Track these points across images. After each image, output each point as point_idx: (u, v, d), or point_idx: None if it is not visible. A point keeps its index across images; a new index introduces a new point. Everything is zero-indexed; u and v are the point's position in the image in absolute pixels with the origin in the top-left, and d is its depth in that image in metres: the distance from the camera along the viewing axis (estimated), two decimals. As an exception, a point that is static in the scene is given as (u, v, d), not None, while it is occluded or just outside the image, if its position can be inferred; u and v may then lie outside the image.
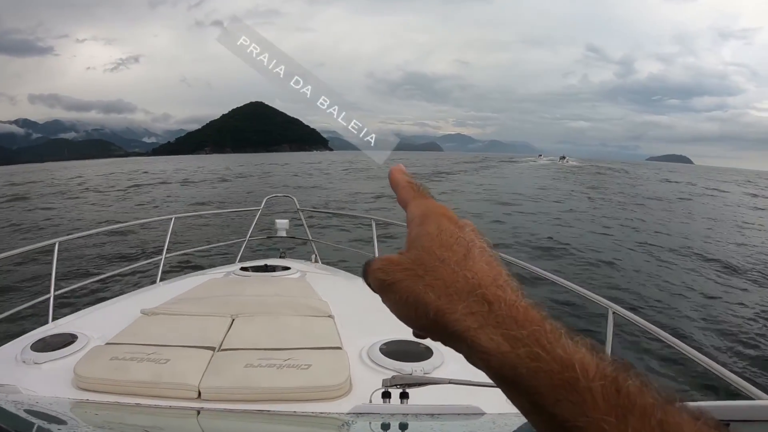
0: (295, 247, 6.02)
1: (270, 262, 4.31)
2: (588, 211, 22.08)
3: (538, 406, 0.30)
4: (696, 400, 0.87)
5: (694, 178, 67.53)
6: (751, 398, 1.63)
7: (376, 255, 3.70)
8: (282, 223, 5.25)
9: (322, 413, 1.68)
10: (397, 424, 1.23)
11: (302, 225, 5.42)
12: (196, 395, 1.80)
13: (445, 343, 0.37)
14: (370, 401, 1.41)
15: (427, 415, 1.26)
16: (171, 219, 4.40)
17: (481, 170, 57.01)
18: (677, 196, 33.60)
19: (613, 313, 2.32)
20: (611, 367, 0.30)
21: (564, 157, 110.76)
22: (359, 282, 3.95)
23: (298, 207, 5.54)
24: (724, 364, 1.87)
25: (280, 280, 3.71)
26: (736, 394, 1.73)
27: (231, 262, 4.77)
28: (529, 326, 0.32)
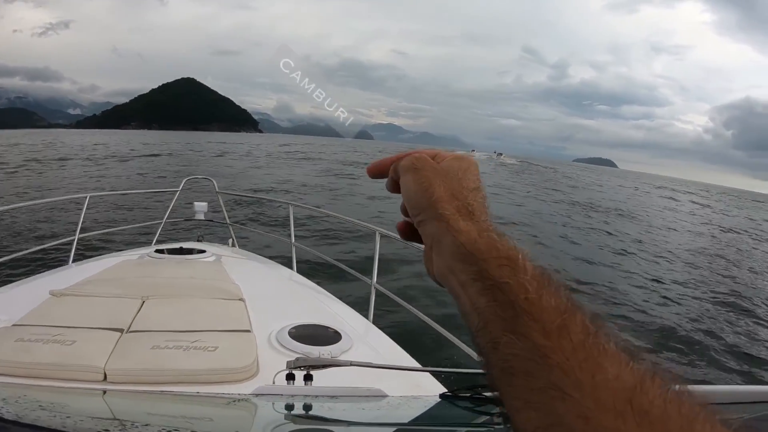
0: (215, 230, 6.00)
1: (186, 245, 4.28)
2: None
3: (484, 271, 0.39)
4: None
5: (639, 184, 70.21)
6: None
7: (293, 240, 3.81)
8: (200, 206, 5.22)
9: (225, 394, 1.66)
10: (301, 405, 1.25)
11: (221, 208, 5.41)
12: (102, 377, 1.78)
13: (427, 226, 0.46)
14: (274, 383, 1.41)
15: (329, 396, 1.28)
16: (86, 198, 4.28)
17: None
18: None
19: None
20: (540, 267, 0.39)
21: (500, 154, 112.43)
22: (274, 267, 4.08)
23: (217, 190, 5.50)
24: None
25: (194, 263, 3.71)
26: None
27: (148, 244, 4.69)
28: (491, 229, 0.43)
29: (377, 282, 3.37)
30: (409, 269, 8.30)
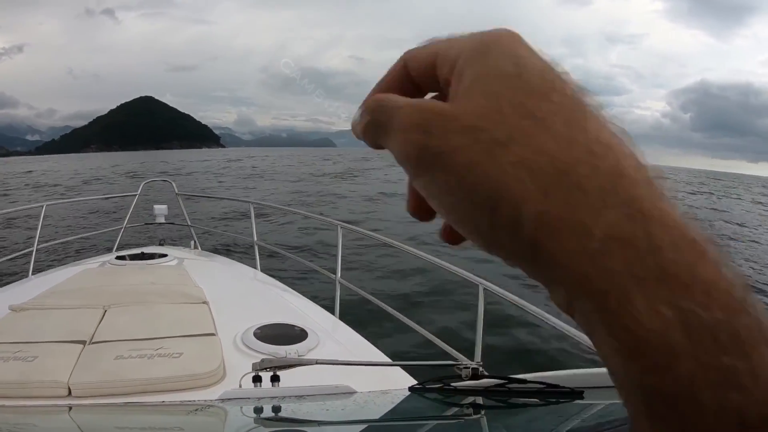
0: (176, 233, 5.94)
1: (147, 249, 4.24)
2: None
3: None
4: (558, 369, 1.18)
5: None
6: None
7: (255, 238, 4.02)
8: (160, 209, 5.16)
9: (191, 401, 1.67)
10: (269, 407, 1.24)
11: (181, 210, 5.34)
12: (66, 392, 1.74)
13: (534, 276, 0.21)
14: (240, 386, 1.38)
15: (297, 397, 1.28)
16: (42, 207, 4.19)
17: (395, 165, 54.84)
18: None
19: (484, 288, 2.39)
20: None
21: None
22: (237, 267, 4.05)
23: (177, 192, 5.42)
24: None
25: (156, 268, 3.66)
26: (597, 360, 2.01)
27: (109, 251, 4.62)
28: (723, 298, 0.18)
29: (342, 277, 3.36)
30: (375, 262, 8.34)
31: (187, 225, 5.28)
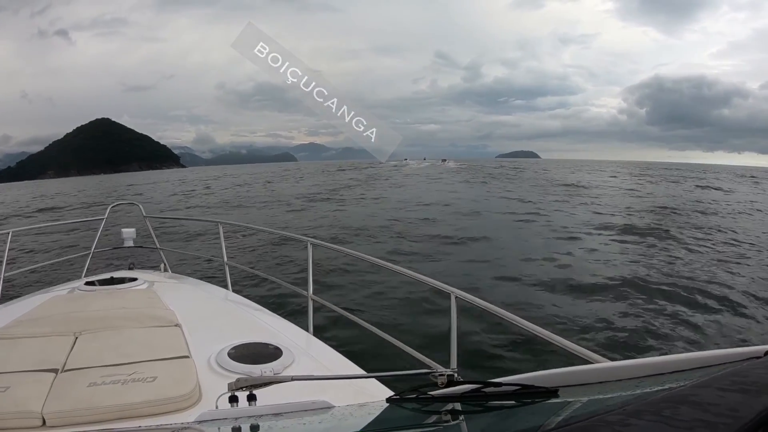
0: (145, 256, 5.86)
1: (117, 274, 4.18)
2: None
3: None
4: (532, 370, 1.18)
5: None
6: (585, 362, 1.71)
7: (225, 259, 4.02)
8: (128, 233, 5.11)
9: (168, 425, 1.67)
10: (247, 426, 1.22)
11: (150, 233, 5.31)
12: (40, 422, 1.72)
13: None
14: (217, 407, 1.36)
15: (274, 414, 1.26)
16: (8, 233, 4.13)
17: (369, 181, 48.65)
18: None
19: (455, 297, 2.40)
20: None
21: (445, 160, 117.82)
22: (208, 288, 4.04)
23: (144, 214, 5.39)
24: (559, 333, 2.03)
25: (126, 293, 3.62)
26: (571, 357, 1.85)
27: (78, 277, 4.55)
28: None
29: (313, 293, 3.38)
30: (345, 277, 8.37)
31: (156, 248, 5.24)
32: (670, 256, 11.51)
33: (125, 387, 1.87)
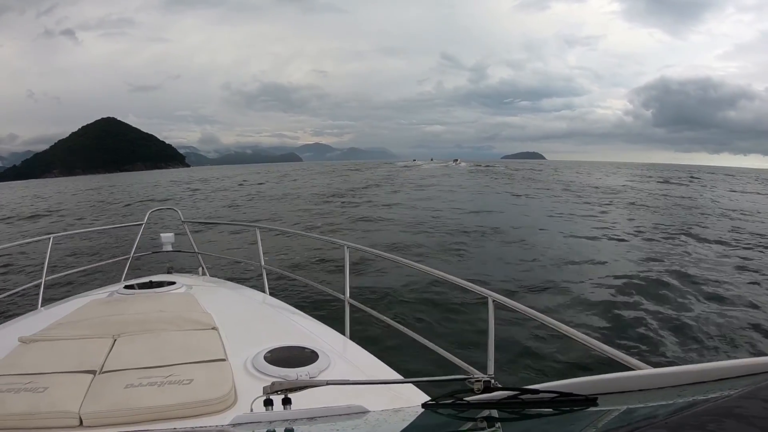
0: (184, 260, 5.97)
1: (156, 278, 4.24)
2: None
3: None
4: (572, 377, 1.17)
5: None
6: (625, 369, 1.67)
7: (262, 262, 4.14)
8: (167, 237, 5.19)
9: (203, 427, 1.69)
10: (282, 430, 1.22)
11: (188, 238, 5.38)
12: (77, 422, 1.76)
13: None
14: (251, 410, 1.37)
15: (308, 419, 1.27)
16: (49, 239, 4.20)
17: (399, 181, 46.73)
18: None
19: (493, 300, 2.40)
20: None
21: (456, 160, 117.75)
22: (246, 292, 4.08)
23: (182, 219, 5.49)
24: (598, 338, 2.01)
25: (164, 296, 3.66)
26: (610, 363, 1.83)
27: (117, 281, 4.60)
28: None
29: (351, 296, 3.38)
30: (382, 280, 8.37)
31: (195, 252, 5.30)
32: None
33: (161, 389, 1.90)
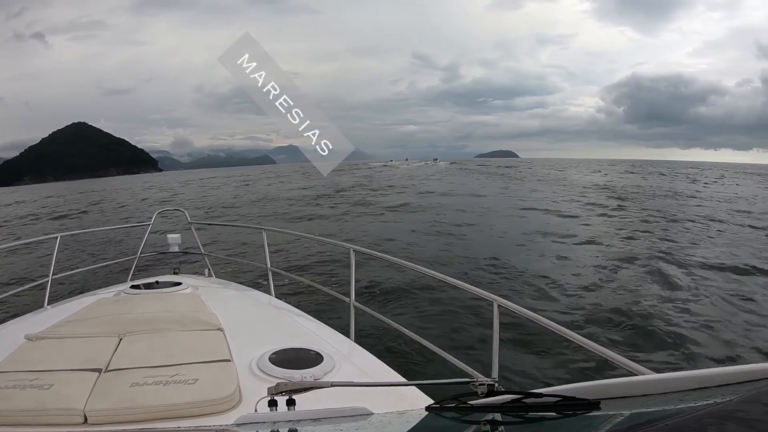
0: (190, 261, 5.96)
1: (162, 278, 4.25)
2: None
3: None
4: (575, 381, 1.20)
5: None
6: (627, 374, 1.72)
7: (268, 265, 4.17)
8: (174, 238, 5.20)
9: (207, 427, 1.71)
10: (285, 431, 1.23)
11: (195, 239, 5.38)
12: (82, 420, 1.76)
13: None
14: (256, 411, 1.38)
15: (312, 420, 1.27)
16: (57, 237, 4.20)
17: (385, 183, 44.21)
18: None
19: (498, 305, 2.41)
20: None
21: (436, 159, 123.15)
22: (252, 293, 4.08)
23: (189, 220, 5.51)
24: (602, 343, 2.00)
25: (171, 296, 3.68)
26: (614, 368, 1.85)
27: (123, 280, 4.60)
28: None
29: (356, 300, 3.40)
30: (387, 284, 8.37)
31: (201, 253, 5.31)
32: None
33: (167, 388, 1.91)
